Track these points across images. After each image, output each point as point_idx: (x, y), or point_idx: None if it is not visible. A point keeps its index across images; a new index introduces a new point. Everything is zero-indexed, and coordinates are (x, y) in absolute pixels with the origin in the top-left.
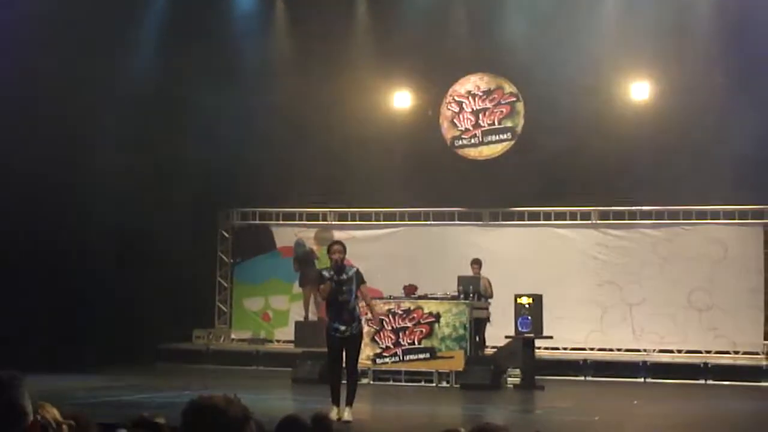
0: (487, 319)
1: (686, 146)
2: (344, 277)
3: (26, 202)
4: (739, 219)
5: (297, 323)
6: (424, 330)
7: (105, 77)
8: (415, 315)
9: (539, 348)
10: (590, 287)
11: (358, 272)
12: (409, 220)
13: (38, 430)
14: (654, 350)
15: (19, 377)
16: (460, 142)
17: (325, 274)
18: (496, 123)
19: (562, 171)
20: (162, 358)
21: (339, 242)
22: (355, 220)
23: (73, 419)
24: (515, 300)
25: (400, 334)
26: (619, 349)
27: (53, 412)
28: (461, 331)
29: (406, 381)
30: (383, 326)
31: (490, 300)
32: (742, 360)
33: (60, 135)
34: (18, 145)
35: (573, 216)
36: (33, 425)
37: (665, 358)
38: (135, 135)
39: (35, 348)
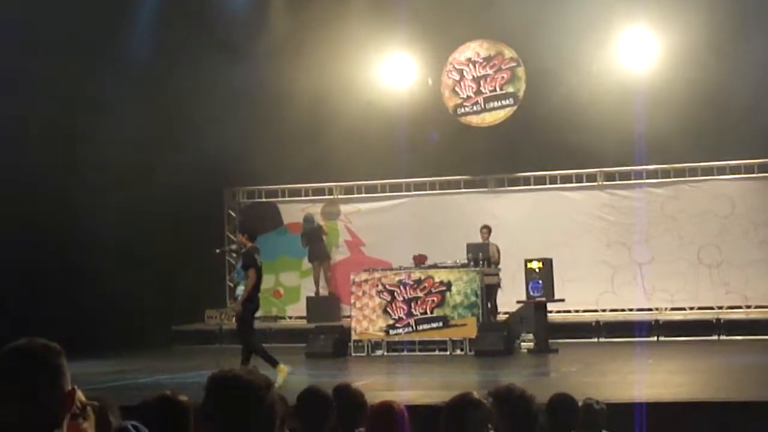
0: (498, 285)
1: (691, 103)
2: None
3: (32, 182)
4: (746, 173)
5: (308, 299)
6: (435, 299)
7: (106, 57)
8: (426, 284)
9: (551, 312)
10: (599, 248)
11: None
12: (414, 191)
13: (74, 401)
14: (666, 308)
15: (57, 348)
16: (463, 110)
17: None
18: (497, 89)
19: (566, 134)
20: (176, 339)
21: None
22: (361, 193)
23: (96, 401)
24: (525, 265)
25: (412, 304)
26: (630, 309)
27: (78, 394)
28: (473, 299)
29: (419, 351)
30: None
31: (499, 266)
32: (754, 314)
33: (62, 118)
34: (21, 125)
35: (579, 178)
36: (70, 393)
37: (677, 315)
38: (137, 116)
39: (49, 333)
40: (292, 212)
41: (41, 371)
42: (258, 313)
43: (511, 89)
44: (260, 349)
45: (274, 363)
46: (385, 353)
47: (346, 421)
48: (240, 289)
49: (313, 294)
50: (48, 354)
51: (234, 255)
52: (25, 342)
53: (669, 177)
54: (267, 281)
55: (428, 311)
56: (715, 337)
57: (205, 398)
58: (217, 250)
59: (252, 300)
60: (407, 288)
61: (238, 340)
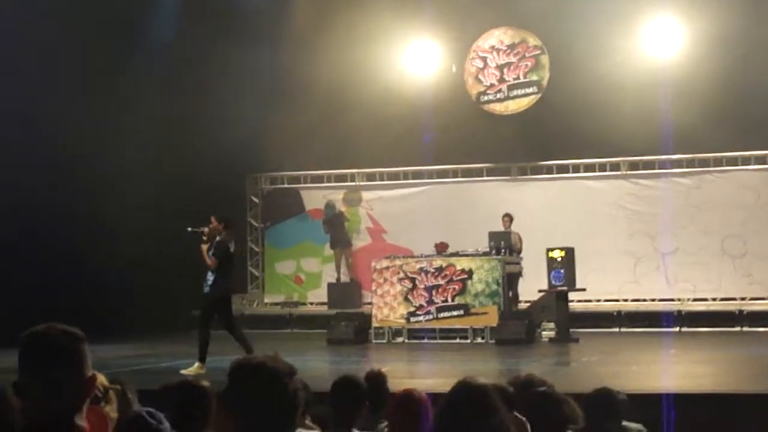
0: (520, 274)
1: (716, 92)
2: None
3: (56, 170)
4: None
5: (330, 285)
6: (457, 287)
7: (126, 44)
8: (447, 272)
9: (573, 301)
10: (622, 238)
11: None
12: (437, 178)
13: (94, 386)
14: (688, 299)
15: (78, 334)
16: (486, 98)
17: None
18: (521, 77)
19: (590, 123)
20: (196, 325)
21: None
22: (383, 180)
23: (119, 385)
24: (547, 254)
25: (433, 292)
26: (653, 299)
27: (100, 378)
28: (494, 287)
29: (440, 338)
30: None
31: (521, 255)
32: None
33: (82, 106)
34: (39, 112)
35: (602, 167)
36: (91, 379)
37: (700, 306)
38: (159, 104)
39: (71, 319)
40: (314, 198)
41: (61, 357)
42: (279, 299)
43: (534, 77)
44: (204, 339)
45: (202, 358)
46: (406, 340)
47: (374, 408)
48: (209, 276)
49: (334, 280)
50: (68, 340)
51: (204, 238)
52: (46, 328)
53: (694, 167)
54: (288, 267)
55: (449, 299)
56: (737, 329)
57: (228, 384)
58: (188, 229)
59: (224, 288)
60: (428, 275)
61: (198, 323)
